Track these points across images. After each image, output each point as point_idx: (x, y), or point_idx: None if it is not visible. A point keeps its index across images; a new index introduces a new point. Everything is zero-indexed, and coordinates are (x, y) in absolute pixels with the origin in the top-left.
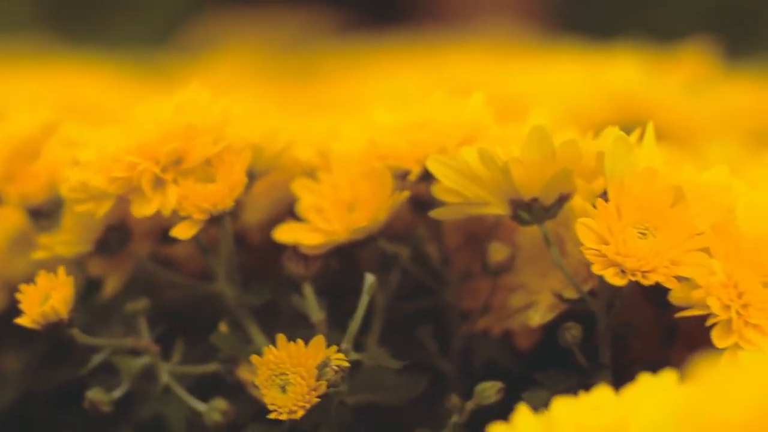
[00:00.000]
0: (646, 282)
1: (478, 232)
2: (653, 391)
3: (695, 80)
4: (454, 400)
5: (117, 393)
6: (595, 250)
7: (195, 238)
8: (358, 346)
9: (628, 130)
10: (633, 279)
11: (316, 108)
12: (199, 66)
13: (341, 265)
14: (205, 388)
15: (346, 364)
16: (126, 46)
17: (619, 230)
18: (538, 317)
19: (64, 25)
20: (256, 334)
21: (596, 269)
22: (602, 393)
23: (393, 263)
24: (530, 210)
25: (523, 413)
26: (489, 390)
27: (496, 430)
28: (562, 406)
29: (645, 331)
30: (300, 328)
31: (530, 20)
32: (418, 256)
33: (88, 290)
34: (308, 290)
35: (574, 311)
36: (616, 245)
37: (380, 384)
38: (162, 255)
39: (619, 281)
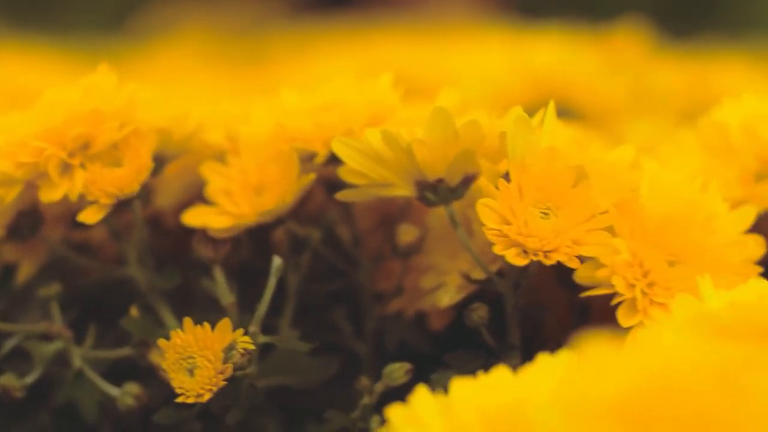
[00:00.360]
0: (547, 262)
1: (390, 214)
2: (550, 370)
3: (627, 60)
4: (364, 381)
5: (30, 378)
6: (497, 230)
7: (106, 223)
8: (272, 328)
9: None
10: (535, 259)
11: (266, 91)
12: (151, 51)
13: (256, 248)
14: (120, 373)
15: (252, 347)
16: (78, 33)
17: (521, 210)
18: (447, 298)
19: (15, 11)
20: (168, 318)
21: (498, 249)
22: (501, 373)
23: (304, 246)
24: (436, 191)
25: (421, 394)
26: (397, 371)
27: (394, 412)
28: (460, 386)
29: (558, 310)
30: (213, 312)
31: (487, 3)
32: (331, 238)
33: (3, 276)
34: (218, 273)
35: (485, 292)
36: (517, 225)
37: (292, 366)
38: (78, 240)
39: (520, 261)
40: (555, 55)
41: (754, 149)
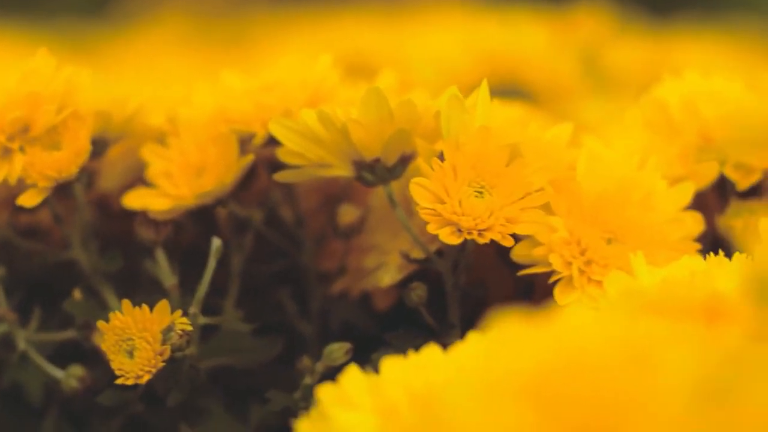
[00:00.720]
0: (481, 240)
1: (334, 194)
2: (479, 349)
3: (587, 39)
4: (306, 361)
5: None
6: (431, 209)
7: (49, 206)
8: (218, 310)
9: (501, 90)
10: (469, 237)
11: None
12: (132, 35)
13: (202, 229)
14: (68, 355)
15: (190, 328)
16: (59, 18)
17: (455, 189)
18: (387, 278)
19: None
20: (111, 300)
21: (432, 228)
22: (431, 352)
23: (247, 227)
24: (373, 171)
25: (351, 374)
26: (337, 351)
27: (324, 391)
28: (391, 366)
29: (502, 288)
30: (158, 294)
31: None
32: (274, 219)
33: None
34: (160, 255)
35: (428, 271)
36: (451, 204)
37: (236, 347)
38: (25, 224)
39: (454, 240)
40: (506, 34)
41: (695, 126)
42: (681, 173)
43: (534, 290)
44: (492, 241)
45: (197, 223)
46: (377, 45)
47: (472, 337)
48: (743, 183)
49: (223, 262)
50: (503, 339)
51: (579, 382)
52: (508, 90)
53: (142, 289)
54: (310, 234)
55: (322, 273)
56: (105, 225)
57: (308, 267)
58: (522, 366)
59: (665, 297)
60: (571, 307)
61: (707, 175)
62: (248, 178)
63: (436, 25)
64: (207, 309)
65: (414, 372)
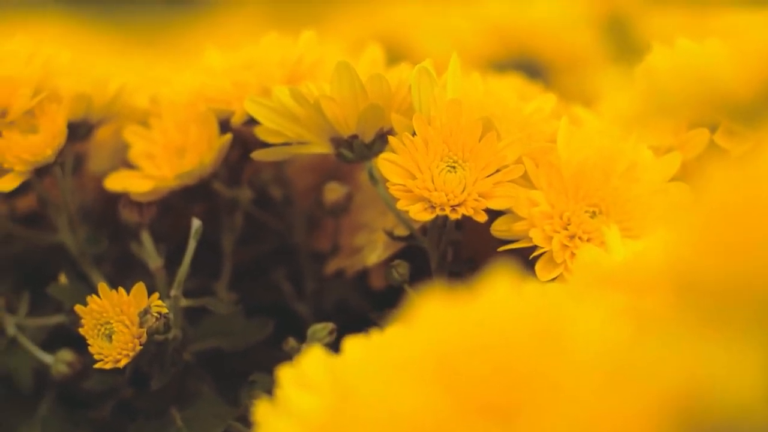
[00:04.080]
0: (454, 216)
1: (327, 173)
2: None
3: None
4: (291, 342)
5: None
6: (401, 185)
7: (35, 190)
8: (211, 291)
9: (513, 63)
10: (441, 213)
11: None
12: (213, 19)
13: (196, 210)
14: (62, 341)
15: (166, 311)
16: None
17: (426, 165)
18: (374, 256)
19: None
20: (99, 284)
21: (402, 205)
22: (393, 331)
23: (236, 207)
24: (351, 147)
25: (312, 354)
26: (321, 331)
27: (283, 372)
28: (352, 345)
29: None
30: (148, 277)
31: None
32: (266, 199)
33: None
34: (146, 237)
35: (417, 248)
36: (423, 180)
37: (227, 330)
38: (21, 209)
39: (425, 216)
40: (518, 6)
41: (686, 96)
42: (671, 144)
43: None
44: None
45: (198, 205)
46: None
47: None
48: (735, 151)
49: (216, 243)
50: (420, 317)
51: (487, 360)
52: (521, 63)
53: (136, 273)
54: (301, 213)
55: (316, 252)
56: (104, 208)
57: (301, 246)
58: (433, 344)
59: (630, 271)
60: (492, 284)
61: (697, 144)
62: (243, 158)
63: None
64: (200, 291)
65: (376, 351)
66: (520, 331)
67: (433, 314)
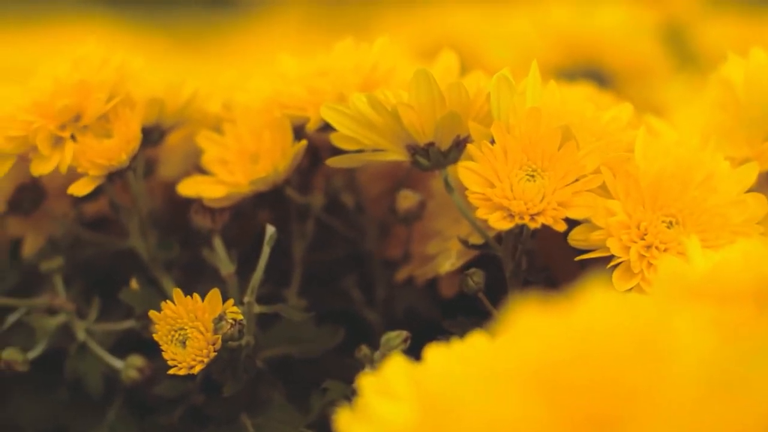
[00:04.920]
0: (533, 225)
1: (399, 180)
2: (512, 337)
3: (678, 16)
4: (364, 350)
5: (33, 353)
6: (480, 193)
7: (108, 195)
8: (281, 298)
9: (578, 71)
10: (520, 222)
11: None
12: (256, 23)
13: (268, 217)
14: (131, 346)
15: (241, 317)
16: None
17: (506, 173)
18: (448, 264)
19: None
20: (170, 289)
21: (481, 213)
22: (475, 341)
23: (309, 214)
24: (427, 155)
25: (395, 363)
26: (395, 339)
27: (365, 380)
28: (434, 354)
29: (570, 273)
30: (220, 283)
31: None
32: (338, 206)
33: (12, 251)
34: (218, 243)
35: (492, 257)
36: (502, 188)
37: (297, 336)
38: (92, 214)
39: (505, 225)
40: (584, 14)
41: (761, 106)
42: (747, 154)
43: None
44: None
45: (269, 211)
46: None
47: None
48: None
49: (287, 250)
50: (519, 328)
51: (588, 372)
52: (586, 72)
53: (205, 278)
54: (373, 220)
55: (387, 260)
56: (173, 213)
57: (372, 254)
58: (534, 355)
59: (713, 282)
60: (591, 294)
61: None
62: (313, 164)
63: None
64: (270, 297)
65: (455, 361)
66: (619, 342)
67: (531, 325)
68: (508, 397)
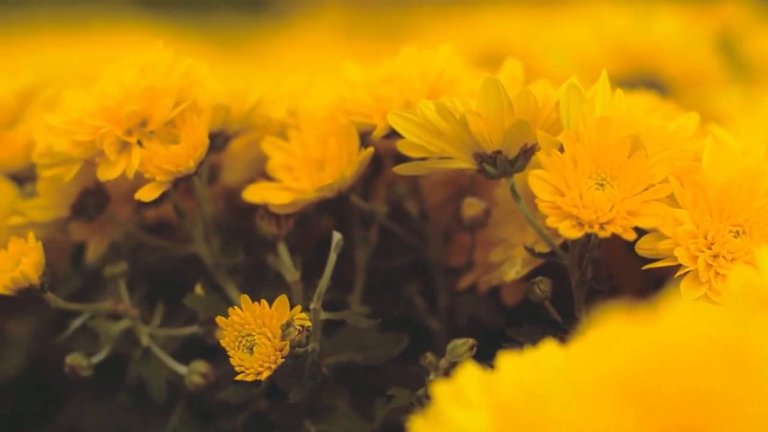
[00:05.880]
0: (603, 234)
1: (461, 188)
2: (586, 346)
3: (731, 28)
4: (429, 357)
5: (97, 358)
6: (550, 202)
7: (172, 200)
8: (343, 304)
9: (635, 80)
10: (590, 231)
11: None
12: (291, 29)
13: (331, 223)
14: (193, 351)
15: (309, 324)
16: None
17: (575, 182)
18: (513, 272)
19: None
20: (234, 295)
21: (551, 222)
22: (548, 349)
23: (372, 221)
24: (494, 163)
25: (468, 371)
26: (461, 347)
27: (439, 388)
28: (507, 363)
29: (632, 282)
30: (283, 289)
31: None
32: (400, 213)
33: (75, 255)
34: (282, 249)
35: (556, 265)
36: (572, 197)
37: (361, 343)
38: (153, 219)
39: (574, 233)
40: (641, 24)
41: None
42: None
43: (664, 284)
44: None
45: (328, 217)
46: (519, 35)
47: (592, 333)
48: None
49: (349, 256)
50: (605, 336)
51: (677, 382)
52: (643, 80)
53: (268, 284)
54: (436, 228)
55: (449, 267)
56: (233, 219)
57: (435, 261)
58: (621, 364)
59: None
60: (675, 304)
61: None
62: (375, 171)
63: (574, 15)
64: (333, 304)
65: (529, 369)
66: (708, 352)
67: (616, 334)
68: (596, 408)
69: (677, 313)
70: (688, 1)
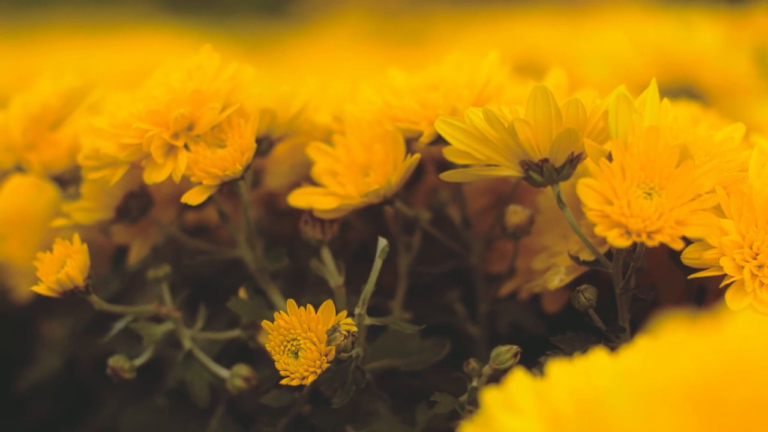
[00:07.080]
0: (650, 243)
1: (503, 195)
2: (643, 355)
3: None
4: (472, 364)
5: (139, 360)
6: (599, 210)
7: (216, 204)
8: (384, 310)
9: (673, 90)
10: (638, 240)
11: None
12: (312, 33)
13: (372, 229)
14: (235, 355)
15: (355, 329)
16: (240, 16)
17: (623, 190)
18: (556, 280)
19: None
20: (277, 300)
21: (599, 230)
22: (597, 357)
23: (415, 227)
24: (541, 171)
25: (518, 377)
26: (504, 354)
27: (489, 395)
28: (557, 370)
29: (674, 291)
30: (326, 294)
31: None
32: (442, 219)
33: (117, 258)
34: (326, 255)
35: (599, 273)
36: (620, 206)
37: (403, 349)
38: (193, 222)
39: (622, 242)
40: (680, 33)
41: None
42: None
43: (706, 294)
44: (663, 243)
45: (367, 222)
46: (552, 43)
47: (639, 343)
48: None
49: (391, 262)
50: (668, 345)
51: (744, 390)
52: (680, 90)
53: (309, 289)
54: (478, 235)
55: (491, 274)
56: (273, 224)
57: (477, 268)
58: (686, 373)
59: None
60: (737, 312)
61: None
62: (416, 177)
63: (610, 23)
64: (374, 309)
65: (580, 376)
66: None
67: (679, 343)
68: (659, 414)
69: (741, 322)
70: (721, 11)
